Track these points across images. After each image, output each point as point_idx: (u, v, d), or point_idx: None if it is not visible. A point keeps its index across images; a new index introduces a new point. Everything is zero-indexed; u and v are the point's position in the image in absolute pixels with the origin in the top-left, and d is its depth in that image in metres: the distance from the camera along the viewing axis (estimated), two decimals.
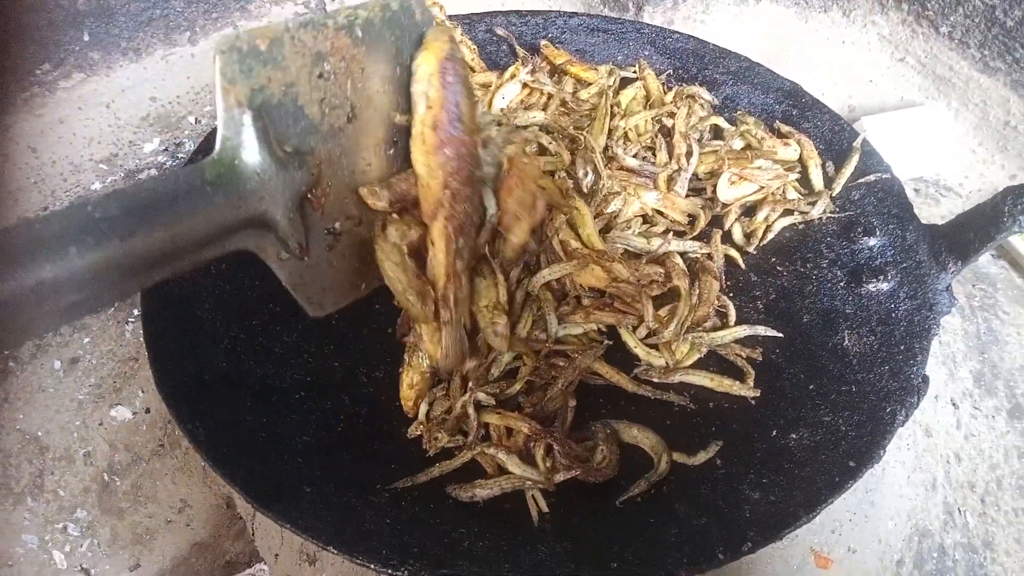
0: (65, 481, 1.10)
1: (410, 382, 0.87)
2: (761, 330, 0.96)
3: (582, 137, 1.07)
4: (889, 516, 1.01)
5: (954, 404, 1.16)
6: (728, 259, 1.03)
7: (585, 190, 1.02)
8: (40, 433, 1.13)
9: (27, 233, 0.50)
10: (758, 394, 0.89)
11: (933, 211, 1.49)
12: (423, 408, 0.87)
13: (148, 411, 1.17)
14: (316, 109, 0.69)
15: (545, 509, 0.80)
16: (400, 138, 0.77)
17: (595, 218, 1.00)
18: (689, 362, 0.93)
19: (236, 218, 0.63)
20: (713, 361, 0.94)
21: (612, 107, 1.14)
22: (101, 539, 1.07)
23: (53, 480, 1.10)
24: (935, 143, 1.53)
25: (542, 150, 1.07)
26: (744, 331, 0.95)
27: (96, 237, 0.52)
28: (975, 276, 1.37)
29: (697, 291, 0.96)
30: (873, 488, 1.01)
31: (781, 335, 0.96)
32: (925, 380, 0.87)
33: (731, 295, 0.99)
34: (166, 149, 1.47)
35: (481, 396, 0.86)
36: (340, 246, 0.76)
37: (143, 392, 1.18)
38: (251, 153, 0.63)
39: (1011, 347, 1.26)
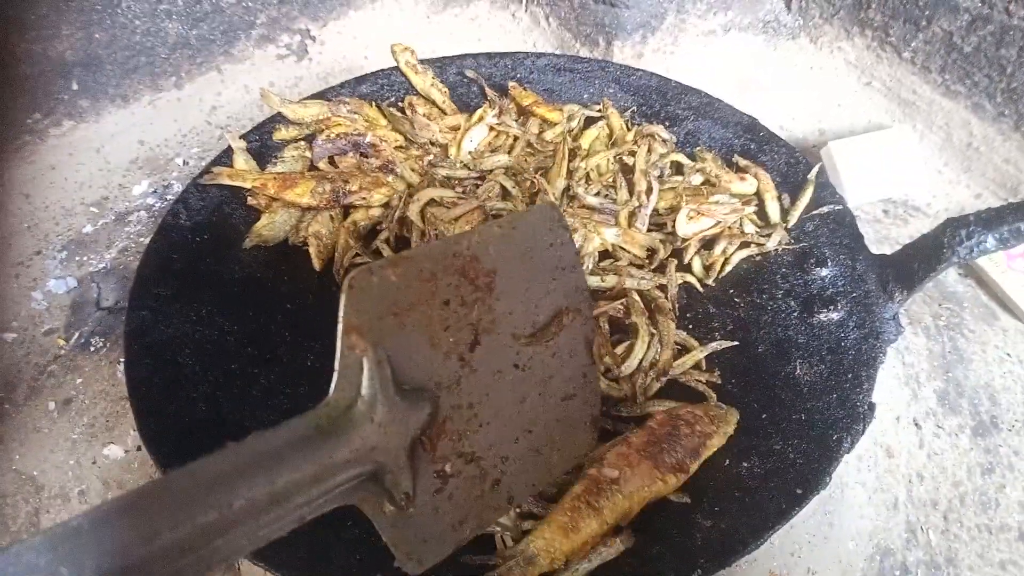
0: (61, 519, 1.13)
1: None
2: (716, 345, 1.00)
3: (537, 180, 1.11)
4: (850, 537, 1.04)
5: (917, 424, 1.19)
6: (687, 292, 1.06)
7: None
8: (36, 473, 1.17)
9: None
10: None
11: (902, 231, 1.53)
12: None
13: (139, 449, 1.20)
14: (440, 339, 0.64)
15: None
16: (523, 360, 0.72)
17: None
18: (651, 392, 0.96)
19: (347, 471, 0.56)
20: (676, 389, 0.97)
21: (573, 150, 1.18)
22: None
23: (49, 518, 1.13)
24: (903, 164, 1.56)
25: (505, 193, 1.12)
26: (702, 352, 0.99)
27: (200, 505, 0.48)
28: (942, 295, 1.41)
29: (656, 334, 0.99)
30: (833, 510, 1.04)
31: (736, 343, 1.00)
32: (871, 407, 0.90)
33: (690, 327, 1.03)
34: (155, 191, 1.52)
35: None
36: (448, 489, 0.67)
37: (134, 431, 1.21)
38: (368, 397, 0.57)
39: (976, 365, 1.29)
